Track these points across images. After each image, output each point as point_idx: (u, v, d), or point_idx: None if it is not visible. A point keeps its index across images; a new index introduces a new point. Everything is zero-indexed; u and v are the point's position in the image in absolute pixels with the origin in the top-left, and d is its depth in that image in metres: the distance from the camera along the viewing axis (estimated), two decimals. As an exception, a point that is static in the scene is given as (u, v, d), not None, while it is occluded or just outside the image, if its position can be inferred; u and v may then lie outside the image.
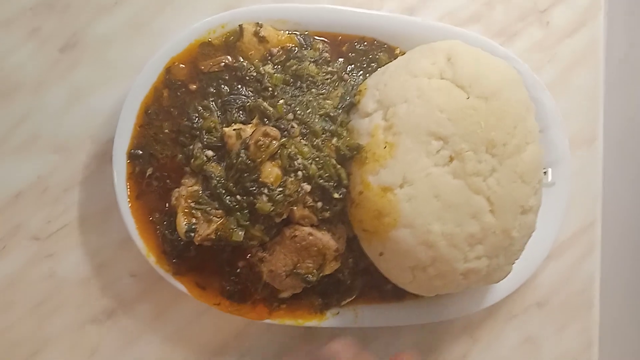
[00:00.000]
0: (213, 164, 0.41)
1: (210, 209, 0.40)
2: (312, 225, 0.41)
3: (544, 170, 0.47)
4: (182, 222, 0.40)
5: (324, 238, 0.41)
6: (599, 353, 0.51)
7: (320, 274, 0.42)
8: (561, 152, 0.48)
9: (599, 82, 0.52)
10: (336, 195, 0.41)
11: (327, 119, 0.42)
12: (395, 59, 0.44)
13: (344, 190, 0.41)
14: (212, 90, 0.43)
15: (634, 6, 0.52)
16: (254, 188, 0.39)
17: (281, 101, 0.42)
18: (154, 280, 0.45)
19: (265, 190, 0.39)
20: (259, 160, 0.39)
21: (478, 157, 0.39)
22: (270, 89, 0.42)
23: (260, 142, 0.39)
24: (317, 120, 0.42)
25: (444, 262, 0.39)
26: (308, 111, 0.42)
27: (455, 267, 0.40)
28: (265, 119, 0.41)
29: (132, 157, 0.43)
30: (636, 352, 0.50)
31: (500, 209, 0.39)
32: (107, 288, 0.46)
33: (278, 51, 0.44)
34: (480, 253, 0.40)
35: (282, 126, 0.41)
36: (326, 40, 0.45)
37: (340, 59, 0.45)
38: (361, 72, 0.45)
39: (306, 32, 0.45)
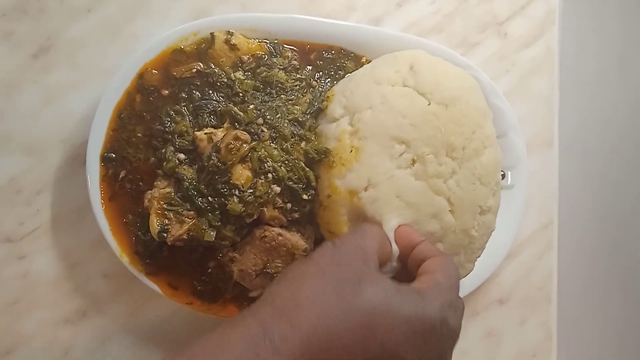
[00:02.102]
0: (185, 167, 0.41)
1: (182, 210, 0.40)
2: (281, 226, 0.42)
3: (502, 173, 0.49)
4: (155, 223, 0.40)
5: (293, 238, 0.42)
6: (558, 344, 0.54)
7: (289, 273, 0.43)
8: (519, 156, 0.50)
9: (555, 89, 0.55)
10: (305, 197, 0.42)
11: (295, 123, 0.43)
12: (361, 67, 0.46)
13: (313, 192, 0.42)
14: (184, 95, 0.44)
15: (586, 18, 0.55)
16: (225, 190, 0.40)
17: (251, 106, 0.43)
18: (126, 280, 0.46)
19: (236, 192, 0.40)
20: (230, 162, 0.40)
21: (439, 160, 0.41)
22: (240, 94, 0.44)
23: (231, 146, 0.40)
24: (286, 124, 0.43)
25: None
26: (277, 116, 0.43)
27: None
28: (236, 123, 0.42)
29: (105, 160, 0.44)
30: (591, 343, 0.52)
31: (459, 209, 0.41)
32: (80, 288, 0.47)
33: (248, 58, 0.45)
34: (441, 251, 0.42)
35: (252, 130, 0.42)
36: (295, 48, 0.47)
37: (309, 67, 0.47)
38: (329, 79, 0.47)
39: (276, 41, 0.46)
